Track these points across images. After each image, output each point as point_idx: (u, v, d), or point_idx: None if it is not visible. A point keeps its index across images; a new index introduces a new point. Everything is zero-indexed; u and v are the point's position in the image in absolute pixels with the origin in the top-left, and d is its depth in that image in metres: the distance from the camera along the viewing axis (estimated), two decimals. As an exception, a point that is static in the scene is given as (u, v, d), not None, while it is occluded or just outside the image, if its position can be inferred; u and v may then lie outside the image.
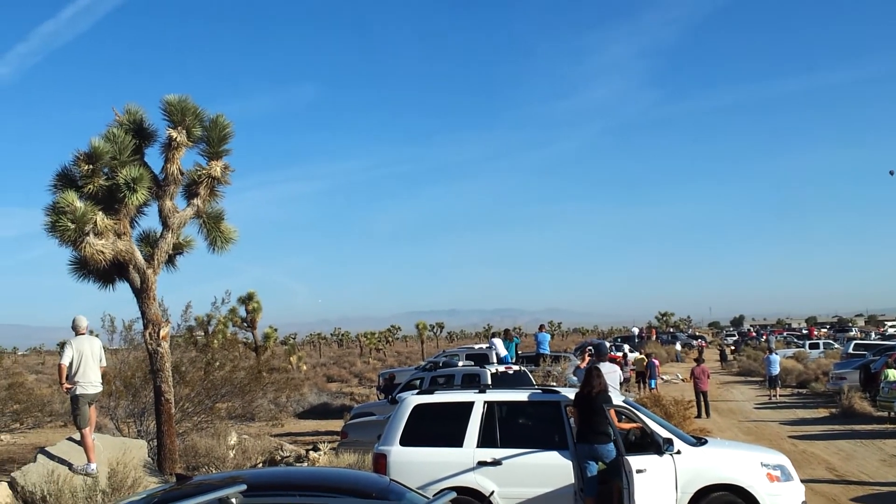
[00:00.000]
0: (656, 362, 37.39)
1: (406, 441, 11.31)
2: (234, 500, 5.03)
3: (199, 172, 15.58)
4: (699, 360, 32.89)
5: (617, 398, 12.02)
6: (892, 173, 50.41)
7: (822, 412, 28.26)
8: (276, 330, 46.14)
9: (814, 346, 57.79)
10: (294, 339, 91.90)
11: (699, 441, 11.62)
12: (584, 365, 16.80)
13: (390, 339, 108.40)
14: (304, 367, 52.69)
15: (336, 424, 27.04)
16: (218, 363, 22.55)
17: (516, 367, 22.66)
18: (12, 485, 12.30)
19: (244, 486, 5.20)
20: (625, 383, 31.13)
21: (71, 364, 12.69)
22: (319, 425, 29.34)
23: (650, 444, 11.03)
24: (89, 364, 12.85)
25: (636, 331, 79.41)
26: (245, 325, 41.43)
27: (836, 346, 58.24)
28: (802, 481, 11.42)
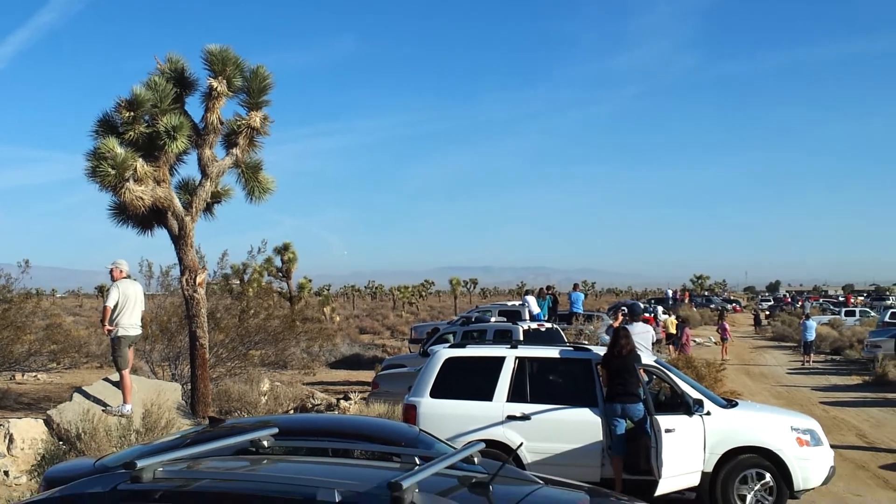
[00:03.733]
0: (688, 330, 37.56)
1: (436, 393, 11.37)
2: (265, 443, 5.08)
3: (238, 122, 15.64)
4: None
5: (648, 358, 12.01)
6: None
7: (854, 379, 28.10)
8: (310, 281, 46.60)
9: (850, 314, 57.32)
10: (328, 290, 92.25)
11: (729, 403, 11.61)
12: (617, 325, 16.81)
13: (424, 293, 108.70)
14: (338, 319, 53.15)
15: (367, 375, 27.28)
16: (252, 311, 22.81)
17: (548, 325, 22.71)
18: (48, 422, 12.57)
19: (276, 430, 5.30)
20: (657, 344, 31.12)
21: (116, 306, 12.90)
22: (351, 375, 29.60)
23: (680, 405, 11.01)
24: (133, 307, 13.06)
25: (670, 293, 78.98)
26: (280, 274, 41.80)
27: (873, 314, 57.68)
28: (832, 447, 11.41)
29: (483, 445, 5.36)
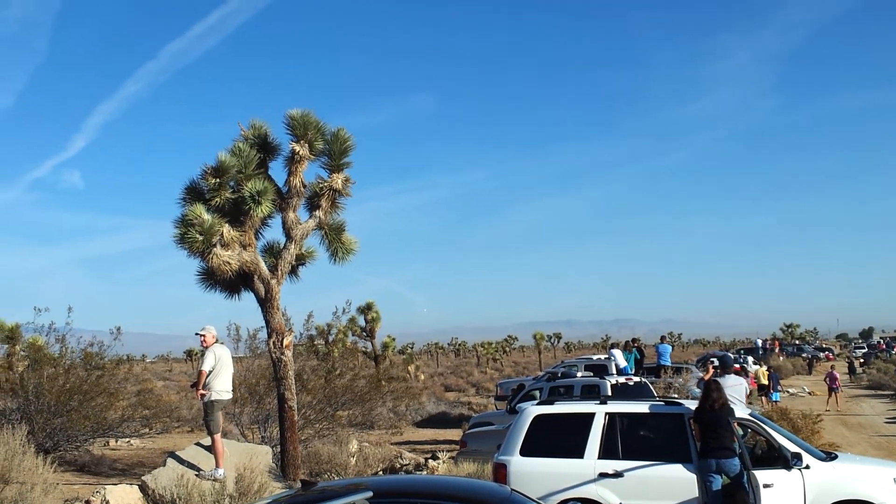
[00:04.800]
0: (776, 375, 36.58)
1: (526, 451, 11.27)
2: None
3: (321, 185, 15.84)
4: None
5: (742, 411, 11.75)
6: None
7: (958, 429, 27.03)
8: (394, 339, 46.70)
9: (949, 360, 55.41)
10: (412, 348, 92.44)
11: (829, 456, 11.25)
12: (708, 377, 16.46)
13: (507, 349, 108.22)
14: (422, 377, 53.11)
15: (454, 433, 27.13)
16: (338, 371, 22.90)
17: (636, 378, 22.35)
18: (143, 488, 12.70)
19: (370, 493, 5.29)
20: (749, 396, 30.43)
21: (211, 371, 13.09)
22: (437, 434, 29.47)
23: (777, 459, 10.78)
24: (225, 371, 13.26)
25: (759, 342, 77.39)
26: (364, 334, 41.96)
27: (974, 359, 55.65)
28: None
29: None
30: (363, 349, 39.83)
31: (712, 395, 11.15)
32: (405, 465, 18.53)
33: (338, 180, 15.85)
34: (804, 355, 74.48)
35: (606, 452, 11.04)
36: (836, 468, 10.83)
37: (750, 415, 11.70)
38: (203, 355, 13.53)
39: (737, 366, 40.35)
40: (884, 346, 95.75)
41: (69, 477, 16.65)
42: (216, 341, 13.55)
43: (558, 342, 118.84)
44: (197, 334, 13.57)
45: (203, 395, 13.17)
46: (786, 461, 10.60)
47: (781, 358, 67.33)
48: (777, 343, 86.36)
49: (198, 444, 13.85)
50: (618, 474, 10.83)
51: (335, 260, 16.66)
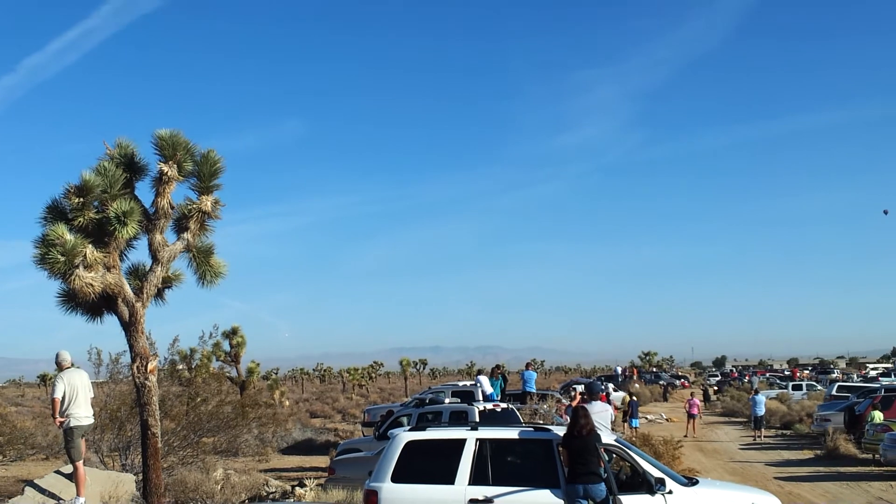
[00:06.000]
0: (636, 402, 37.62)
1: (398, 478, 11.24)
2: None
3: (189, 207, 15.51)
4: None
5: (608, 437, 11.99)
6: (885, 213, 50.90)
7: (807, 453, 28.29)
8: (258, 365, 46.00)
9: (797, 388, 58.00)
10: (276, 374, 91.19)
11: (690, 481, 11.60)
12: (575, 404, 16.77)
13: (373, 374, 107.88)
14: (287, 403, 52.42)
15: (320, 460, 26.86)
16: (202, 398, 22.44)
17: (504, 405, 22.63)
18: (-1, 519, 12.17)
19: None
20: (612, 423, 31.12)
21: (63, 397, 12.71)
22: (304, 461, 29.09)
23: (642, 484, 11.01)
24: (81, 396, 12.97)
25: (619, 370, 79.39)
26: (229, 359, 41.25)
27: (819, 387, 58.43)
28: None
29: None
30: (228, 374, 39.05)
31: (580, 420, 11.33)
32: (272, 492, 18.26)
33: (207, 202, 15.56)
34: (661, 382, 76.76)
35: (477, 478, 11.07)
36: (698, 493, 11.15)
37: (616, 441, 11.94)
38: (54, 383, 13.24)
39: (602, 394, 41.42)
40: (736, 375, 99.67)
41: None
42: (63, 368, 13.27)
43: (424, 368, 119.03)
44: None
45: (62, 423, 12.83)
46: (650, 486, 10.85)
47: (637, 386, 69.13)
48: (636, 371, 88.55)
49: (57, 471, 13.43)
50: (488, 500, 10.88)
51: (203, 283, 16.34)
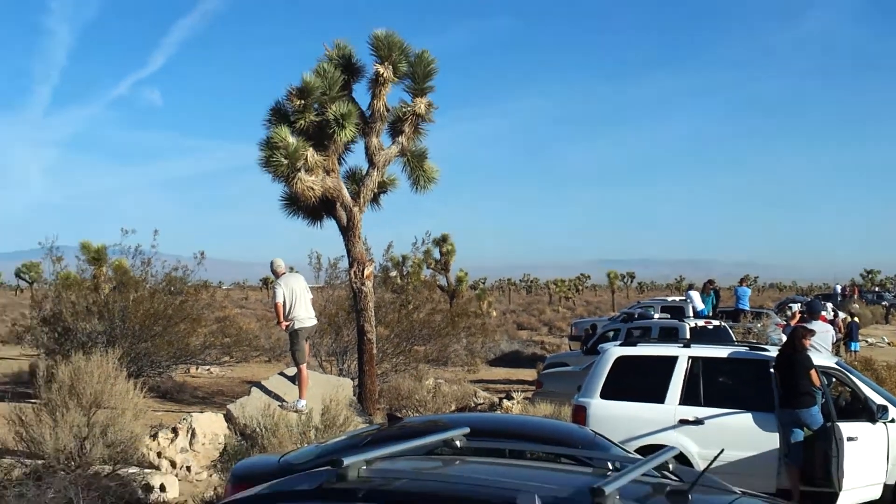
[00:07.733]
0: (857, 323, 35.25)
1: (606, 394, 10.86)
2: (458, 443, 4.96)
3: (404, 109, 15.31)
4: None
5: (829, 359, 11.20)
6: None
7: None
8: (466, 274, 45.97)
9: None
10: (483, 283, 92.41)
11: (915, 410, 10.54)
12: (795, 323, 15.71)
13: (580, 287, 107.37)
14: (494, 314, 52.64)
15: (527, 373, 26.69)
16: (412, 305, 22.56)
17: (716, 322, 21.57)
18: (228, 416, 12.50)
19: (468, 430, 5.08)
20: (835, 345, 29.39)
21: (284, 301, 12.95)
22: (510, 373, 29.00)
23: (862, 411, 10.24)
24: (302, 299, 13.18)
25: (838, 288, 75.11)
26: (439, 267, 41.45)
27: None
28: None
29: (678, 451, 5.23)
30: (438, 283, 39.30)
31: (797, 342, 10.51)
32: (479, 404, 18.19)
33: (421, 105, 15.33)
34: (884, 303, 72.33)
35: (688, 398, 10.61)
36: None
37: (836, 363, 11.08)
38: (273, 289, 13.50)
39: (823, 314, 39.35)
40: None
41: (152, 403, 16.51)
42: (279, 275, 13.47)
43: (632, 282, 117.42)
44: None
45: (287, 326, 13.17)
46: (871, 413, 10.09)
47: (857, 306, 65.44)
48: (857, 289, 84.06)
49: (281, 373, 13.73)
50: (698, 421, 10.40)
51: (417, 188, 16.25)
